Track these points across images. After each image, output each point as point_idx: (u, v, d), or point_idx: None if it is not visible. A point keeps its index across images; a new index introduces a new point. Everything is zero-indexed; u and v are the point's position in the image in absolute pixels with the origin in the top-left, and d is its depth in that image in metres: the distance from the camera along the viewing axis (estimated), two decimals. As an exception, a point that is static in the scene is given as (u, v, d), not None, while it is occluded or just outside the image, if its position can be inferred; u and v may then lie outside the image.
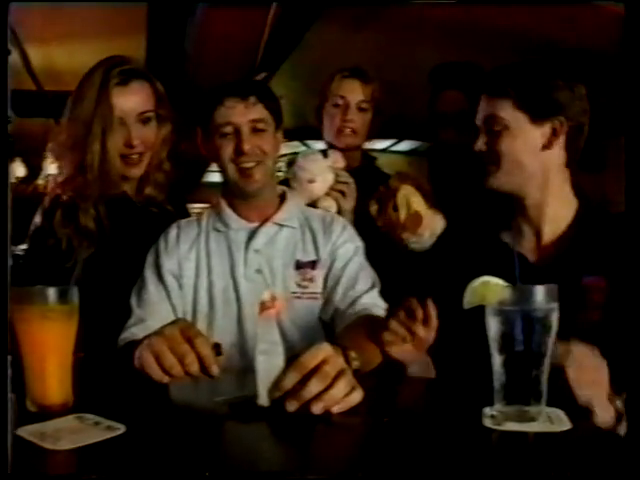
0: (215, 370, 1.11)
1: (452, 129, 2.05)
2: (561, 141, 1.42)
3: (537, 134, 1.42)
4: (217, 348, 1.17)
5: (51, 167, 1.79)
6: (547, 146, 1.42)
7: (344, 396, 1.00)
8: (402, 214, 1.77)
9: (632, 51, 1.10)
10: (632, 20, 1.11)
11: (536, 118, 1.41)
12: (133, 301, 1.54)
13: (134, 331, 1.45)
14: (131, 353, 1.30)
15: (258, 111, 1.56)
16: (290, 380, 0.99)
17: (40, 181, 5.26)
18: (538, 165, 1.44)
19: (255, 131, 1.56)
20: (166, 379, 1.11)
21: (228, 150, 1.56)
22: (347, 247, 1.61)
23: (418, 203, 1.78)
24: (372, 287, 1.55)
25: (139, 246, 1.63)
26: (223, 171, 1.60)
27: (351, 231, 1.67)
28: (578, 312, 1.31)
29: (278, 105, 1.64)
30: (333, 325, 1.54)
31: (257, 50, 3.78)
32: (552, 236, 1.45)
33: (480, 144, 1.47)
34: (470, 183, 1.92)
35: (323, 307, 1.57)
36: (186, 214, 1.81)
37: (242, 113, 1.54)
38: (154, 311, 1.51)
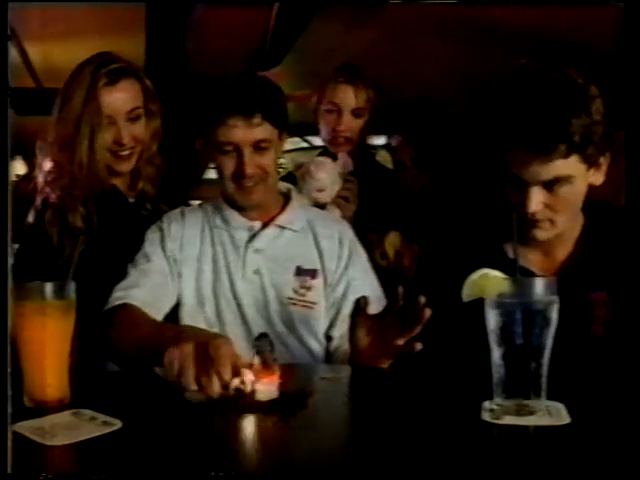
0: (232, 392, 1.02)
1: (411, 175, 2.07)
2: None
3: (590, 175, 1.32)
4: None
5: (41, 166, 1.74)
6: (593, 183, 1.34)
7: None
8: (391, 257, 1.90)
9: (632, 49, 1.09)
10: (632, 19, 1.10)
11: (593, 163, 1.30)
12: (131, 267, 1.52)
13: (120, 295, 1.45)
14: (111, 318, 1.39)
15: (262, 131, 1.47)
16: None
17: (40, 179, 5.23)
18: (582, 202, 1.36)
19: (258, 149, 1.48)
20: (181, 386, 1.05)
21: (229, 168, 1.50)
22: (356, 270, 1.57)
23: (402, 245, 1.91)
24: None
25: (130, 242, 1.61)
26: (222, 182, 1.55)
27: (359, 246, 1.63)
28: (583, 327, 1.30)
29: (285, 114, 1.54)
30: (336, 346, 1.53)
31: (257, 46, 3.77)
32: (560, 252, 1.39)
33: (535, 206, 1.28)
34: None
35: (331, 327, 1.55)
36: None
37: (245, 133, 1.45)
38: (147, 280, 1.49)
